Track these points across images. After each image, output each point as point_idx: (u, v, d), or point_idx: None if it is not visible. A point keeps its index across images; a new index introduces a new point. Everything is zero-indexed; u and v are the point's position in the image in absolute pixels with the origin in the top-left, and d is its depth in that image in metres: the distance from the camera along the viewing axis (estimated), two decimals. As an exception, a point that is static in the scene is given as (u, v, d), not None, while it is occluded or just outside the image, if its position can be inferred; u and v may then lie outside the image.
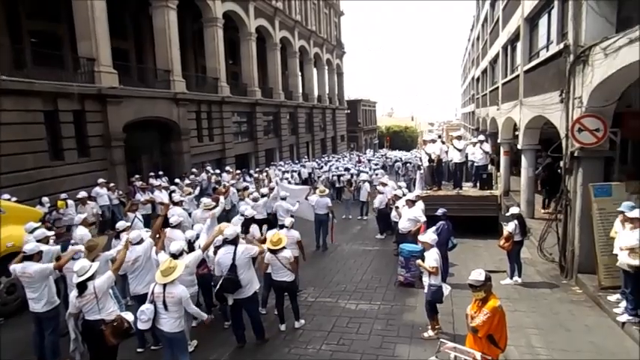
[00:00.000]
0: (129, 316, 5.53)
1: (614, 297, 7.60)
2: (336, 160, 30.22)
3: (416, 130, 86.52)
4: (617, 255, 7.01)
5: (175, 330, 5.50)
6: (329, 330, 7.40)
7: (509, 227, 8.96)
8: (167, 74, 18.88)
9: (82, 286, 5.39)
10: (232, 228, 7.09)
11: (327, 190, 13.07)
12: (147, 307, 5.44)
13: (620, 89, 8.01)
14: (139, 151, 18.40)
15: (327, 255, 12.03)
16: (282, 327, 7.47)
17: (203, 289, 7.25)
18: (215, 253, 7.32)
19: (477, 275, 4.61)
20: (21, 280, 6.32)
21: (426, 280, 6.84)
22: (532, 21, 13.99)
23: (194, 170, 18.23)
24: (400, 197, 11.29)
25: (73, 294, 5.49)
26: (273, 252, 7.14)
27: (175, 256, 6.22)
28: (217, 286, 6.53)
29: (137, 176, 15.57)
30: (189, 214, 10.84)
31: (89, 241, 7.35)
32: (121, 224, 8.44)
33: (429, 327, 6.98)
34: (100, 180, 13.98)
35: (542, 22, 12.88)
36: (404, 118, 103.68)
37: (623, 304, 7.06)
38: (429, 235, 7.13)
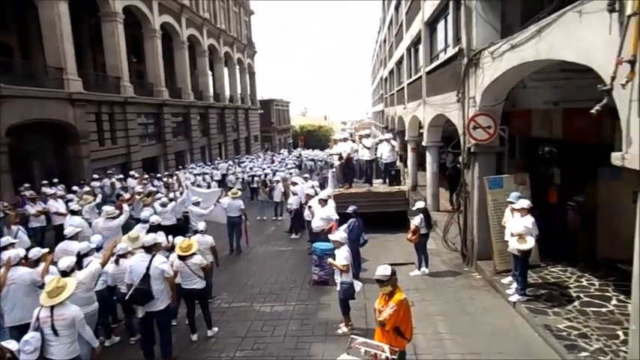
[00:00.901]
0: (12, 345, 4.88)
1: (506, 280, 8.30)
2: (250, 161, 29.87)
3: (330, 129, 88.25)
4: (508, 241, 7.66)
5: (69, 357, 4.91)
6: (243, 335, 7.24)
7: (415, 221, 9.42)
8: (59, 72, 17.23)
9: None
10: (152, 235, 6.70)
11: (240, 193, 12.77)
12: (32, 336, 4.72)
13: (507, 90, 8.76)
14: (30, 157, 16.61)
15: (241, 258, 11.79)
16: (194, 337, 7.15)
17: (102, 307, 6.60)
18: (117, 262, 6.82)
19: (383, 270, 4.74)
20: None
21: (337, 278, 6.94)
22: (431, 25, 14.86)
23: (95, 176, 16.86)
24: (312, 196, 11.37)
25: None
26: (183, 258, 6.81)
27: (65, 273, 5.64)
28: (127, 297, 6.08)
29: (26, 185, 13.99)
30: (90, 224, 10.00)
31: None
32: (4, 240, 7.50)
33: (343, 324, 7.09)
34: (-21, 191, 12.39)
35: (440, 26, 13.72)
36: (317, 117, 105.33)
37: (514, 285, 7.74)
38: (339, 234, 7.23)
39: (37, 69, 17.92)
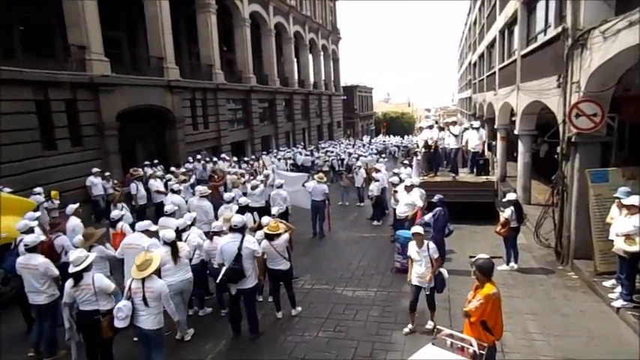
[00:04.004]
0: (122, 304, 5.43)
1: (609, 282, 7.61)
2: (332, 147, 30.20)
3: (413, 116, 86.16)
4: (612, 241, 7.00)
5: (156, 327, 5.30)
6: (326, 317, 7.41)
7: (505, 213, 8.94)
8: (160, 61, 18.62)
9: (77, 277, 5.36)
10: (240, 216, 7.03)
11: (325, 178, 12.94)
12: (124, 304, 5.16)
13: (619, 73, 7.91)
14: (134, 140, 18.23)
15: (324, 242, 12.01)
16: (279, 314, 7.46)
17: (196, 279, 7.05)
18: (211, 238, 7.30)
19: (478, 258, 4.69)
20: (21, 272, 6.23)
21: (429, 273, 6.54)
22: (529, 4, 13.82)
23: (189, 159, 18.10)
24: (396, 183, 11.26)
25: (68, 284, 5.46)
26: (270, 238, 7.07)
27: (173, 242, 6.29)
28: (221, 275, 6.46)
29: (137, 168, 15.30)
30: (186, 202, 10.78)
31: (88, 228, 7.34)
32: (115, 214, 8.39)
33: (430, 319, 6.81)
34: (94, 169, 13.87)
35: (540, 5, 12.72)
36: (400, 103, 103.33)
37: (618, 289, 7.08)
38: (418, 227, 6.90)
39: (141, 59, 19.52)
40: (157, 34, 18.56)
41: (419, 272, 6.61)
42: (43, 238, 6.79)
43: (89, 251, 5.98)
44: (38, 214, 8.54)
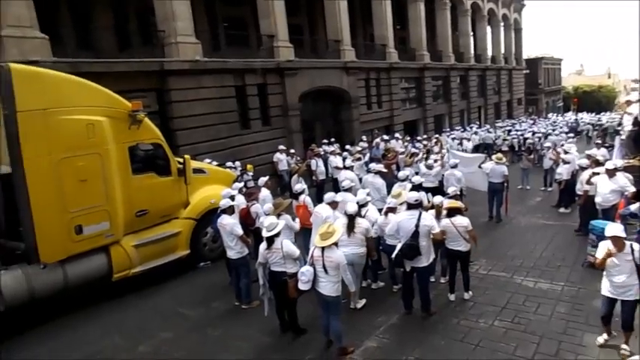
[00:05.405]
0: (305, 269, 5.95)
1: None
2: (511, 125, 27.75)
3: (613, 89, 73.14)
4: None
5: (334, 294, 5.61)
6: (502, 306, 6.95)
7: None
8: (337, 44, 19.52)
9: (269, 240, 6.09)
10: (416, 193, 7.02)
11: (504, 158, 11.94)
12: (307, 269, 5.61)
13: None
14: (313, 120, 19.61)
15: (500, 227, 11.18)
16: (452, 297, 7.26)
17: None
18: (386, 214, 7.45)
19: None
20: (220, 230, 7.50)
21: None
22: None
23: (363, 137, 18.73)
24: (585, 167, 9.80)
25: (262, 246, 6.25)
26: (451, 215, 6.95)
27: (352, 216, 6.62)
28: (396, 251, 6.53)
29: (314, 145, 16.58)
30: (360, 180, 11.21)
31: (276, 199, 8.27)
32: (298, 187, 9.15)
33: (625, 343, 5.59)
34: (280, 146, 15.43)
35: None
36: (597, 75, 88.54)
37: None
38: (618, 230, 5.34)
39: (320, 43, 20.74)
40: (334, 18, 19.47)
41: (619, 282, 5.37)
42: (232, 203, 7.81)
43: (278, 219, 6.73)
44: (241, 184, 9.97)
